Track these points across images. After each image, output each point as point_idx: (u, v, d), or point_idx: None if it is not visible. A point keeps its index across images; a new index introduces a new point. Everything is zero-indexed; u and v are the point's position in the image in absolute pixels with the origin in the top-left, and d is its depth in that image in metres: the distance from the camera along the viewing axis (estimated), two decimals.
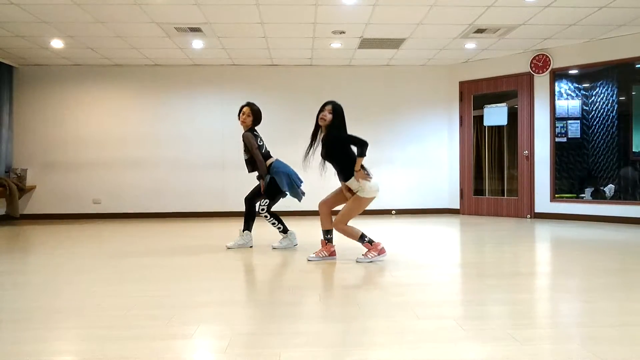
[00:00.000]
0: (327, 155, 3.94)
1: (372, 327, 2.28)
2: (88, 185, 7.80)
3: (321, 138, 3.99)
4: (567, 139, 7.29)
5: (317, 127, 4.00)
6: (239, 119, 4.66)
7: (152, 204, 7.86)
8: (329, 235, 4.11)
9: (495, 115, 7.72)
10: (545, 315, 2.50)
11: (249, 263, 4.00)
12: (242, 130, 4.69)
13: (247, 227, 4.77)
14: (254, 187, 4.83)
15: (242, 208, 7.77)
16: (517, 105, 7.45)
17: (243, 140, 4.61)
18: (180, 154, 7.89)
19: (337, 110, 3.91)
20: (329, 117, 3.88)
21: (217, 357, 1.96)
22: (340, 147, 3.92)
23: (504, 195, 7.86)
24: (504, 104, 7.65)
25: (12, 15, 5.42)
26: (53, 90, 7.77)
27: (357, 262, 3.93)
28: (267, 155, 4.67)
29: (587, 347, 2.00)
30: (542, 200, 7.17)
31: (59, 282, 3.28)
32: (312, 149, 4.04)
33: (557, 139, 7.16)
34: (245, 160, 4.68)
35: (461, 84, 7.94)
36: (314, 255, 4.08)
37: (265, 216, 4.59)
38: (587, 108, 7.32)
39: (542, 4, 5.22)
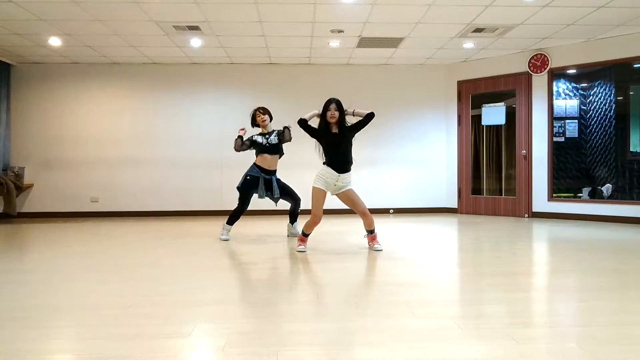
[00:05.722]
0: (346, 145, 4.27)
1: (369, 326, 2.28)
2: (86, 183, 7.79)
3: (332, 134, 4.26)
4: (565, 138, 7.30)
5: (325, 125, 4.25)
6: (259, 120, 5.12)
7: (150, 203, 7.84)
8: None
9: (493, 114, 7.73)
10: (542, 314, 2.51)
11: (246, 262, 4.00)
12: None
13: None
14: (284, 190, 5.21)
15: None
16: (515, 104, 7.46)
17: (289, 137, 5.08)
18: (178, 152, 7.88)
19: (340, 107, 4.25)
20: (337, 114, 4.20)
21: (214, 355, 1.96)
22: (352, 137, 4.32)
23: (501, 195, 7.87)
24: (502, 104, 7.66)
25: (9, 12, 5.40)
26: (51, 88, 7.75)
27: (377, 250, 4.37)
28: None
29: (584, 346, 2.01)
30: (540, 200, 7.18)
31: (57, 281, 3.28)
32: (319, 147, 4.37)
33: (555, 139, 7.17)
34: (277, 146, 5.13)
35: (459, 83, 7.94)
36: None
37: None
38: (585, 108, 7.34)
39: (540, 3, 5.23)
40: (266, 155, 5.02)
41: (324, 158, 4.28)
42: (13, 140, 7.69)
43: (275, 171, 5.12)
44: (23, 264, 3.95)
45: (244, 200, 5.08)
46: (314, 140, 4.35)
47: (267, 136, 5.06)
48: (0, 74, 7.34)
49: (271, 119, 5.17)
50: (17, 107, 7.69)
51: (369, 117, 4.28)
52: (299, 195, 5.23)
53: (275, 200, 5.18)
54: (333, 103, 4.22)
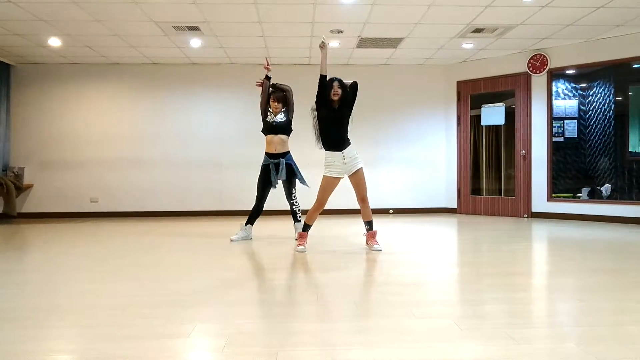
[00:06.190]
0: (343, 123, 4.32)
1: (369, 327, 2.28)
2: (85, 183, 7.79)
3: (328, 111, 4.28)
4: (564, 138, 7.31)
5: (327, 102, 4.27)
6: (272, 107, 4.98)
7: (149, 203, 7.84)
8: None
9: (493, 114, 7.73)
10: (542, 314, 2.51)
11: (246, 262, 4.00)
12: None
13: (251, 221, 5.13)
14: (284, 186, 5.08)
15: (239, 207, 7.80)
16: (514, 105, 7.47)
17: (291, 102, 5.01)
18: (178, 152, 7.88)
19: (343, 84, 4.28)
20: (340, 91, 4.24)
21: (214, 356, 1.96)
22: (348, 114, 4.34)
23: (501, 195, 7.87)
24: (501, 104, 7.67)
25: (9, 13, 5.40)
26: (50, 89, 7.75)
27: (376, 250, 4.32)
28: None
29: (583, 346, 2.01)
30: (539, 200, 7.18)
31: (56, 281, 3.28)
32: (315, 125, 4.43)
33: (554, 139, 7.17)
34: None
35: (459, 83, 7.95)
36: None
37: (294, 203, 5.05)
38: (584, 108, 7.34)
39: (539, 3, 5.23)
40: (271, 137, 4.91)
41: (320, 141, 4.33)
42: (13, 141, 7.68)
43: (284, 154, 4.93)
44: (23, 264, 3.94)
45: (260, 195, 5.00)
46: (313, 137, 4.42)
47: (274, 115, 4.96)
48: (0, 74, 7.34)
49: (285, 105, 4.99)
50: (17, 108, 7.69)
51: (354, 87, 4.32)
52: (306, 193, 5.14)
53: (285, 188, 5.02)
54: (336, 81, 4.25)
